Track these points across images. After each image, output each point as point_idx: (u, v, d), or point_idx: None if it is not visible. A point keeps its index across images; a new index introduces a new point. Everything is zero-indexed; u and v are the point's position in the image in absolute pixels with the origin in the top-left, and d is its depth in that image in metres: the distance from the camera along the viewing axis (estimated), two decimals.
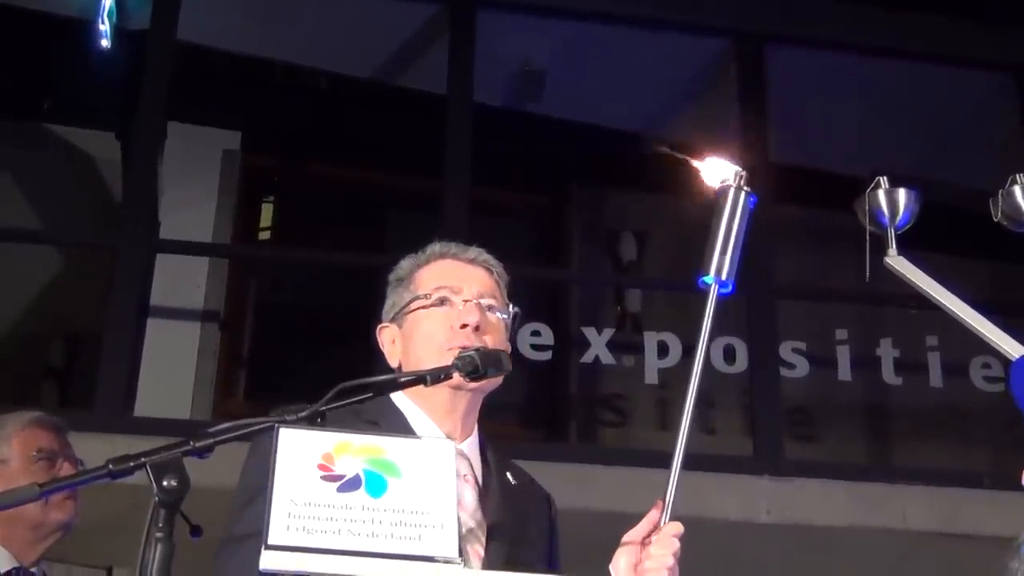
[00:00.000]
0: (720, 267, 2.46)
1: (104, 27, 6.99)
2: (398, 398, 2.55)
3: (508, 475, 2.62)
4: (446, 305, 2.59)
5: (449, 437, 2.50)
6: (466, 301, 2.58)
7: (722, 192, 2.49)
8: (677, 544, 2.35)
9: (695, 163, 2.56)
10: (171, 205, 7.42)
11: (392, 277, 2.72)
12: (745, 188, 2.48)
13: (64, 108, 8.05)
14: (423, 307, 2.60)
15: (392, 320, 2.67)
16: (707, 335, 2.47)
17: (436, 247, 2.71)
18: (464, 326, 2.54)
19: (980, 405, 6.95)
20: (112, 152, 7.67)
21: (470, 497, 2.46)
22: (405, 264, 2.71)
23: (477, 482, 2.52)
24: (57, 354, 7.95)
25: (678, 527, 2.36)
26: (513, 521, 2.51)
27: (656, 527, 2.37)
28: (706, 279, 2.47)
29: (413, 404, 2.55)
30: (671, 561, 2.33)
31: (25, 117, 8.12)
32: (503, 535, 2.46)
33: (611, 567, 2.40)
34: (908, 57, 7.42)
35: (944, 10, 7.32)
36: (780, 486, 6.10)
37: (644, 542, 2.38)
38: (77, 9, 7.16)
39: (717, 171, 2.53)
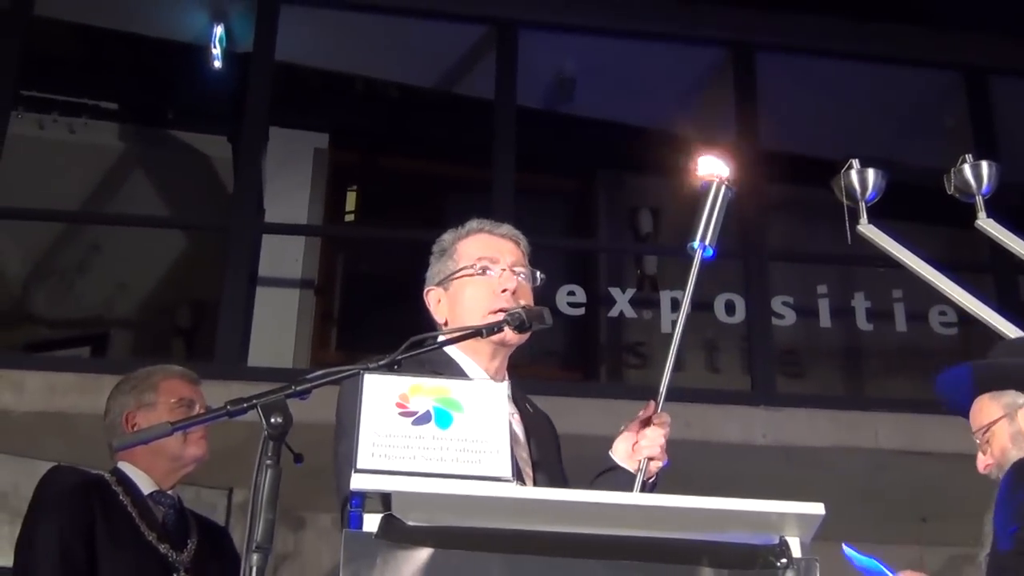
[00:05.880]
0: (704, 235, 2.55)
1: (216, 51, 7.07)
2: (451, 351, 2.52)
3: (527, 406, 2.61)
4: (487, 274, 2.57)
5: (493, 379, 2.50)
6: (503, 270, 2.57)
7: (707, 184, 2.58)
8: (667, 428, 2.41)
9: (700, 157, 2.61)
10: (273, 194, 7.45)
11: (436, 248, 2.69)
12: (727, 184, 2.57)
13: (185, 116, 8.10)
14: (468, 275, 2.58)
15: (438, 284, 2.63)
16: (692, 289, 2.57)
17: (473, 223, 2.69)
18: (504, 291, 2.53)
19: (937, 345, 6.88)
20: (224, 152, 7.70)
21: (519, 432, 2.45)
22: (447, 237, 2.68)
23: (521, 418, 2.50)
24: (184, 317, 8.00)
25: (666, 417, 2.45)
26: (539, 448, 2.51)
27: (648, 420, 2.46)
28: (693, 245, 2.55)
29: (464, 355, 2.54)
30: (662, 440, 2.39)
31: (154, 124, 8.18)
32: (539, 462, 2.46)
33: (610, 452, 2.44)
34: (874, 60, 7.33)
35: (902, 20, 7.23)
36: (773, 414, 6.07)
37: (639, 430, 2.46)
38: (194, 36, 7.20)
39: (710, 166, 2.60)
